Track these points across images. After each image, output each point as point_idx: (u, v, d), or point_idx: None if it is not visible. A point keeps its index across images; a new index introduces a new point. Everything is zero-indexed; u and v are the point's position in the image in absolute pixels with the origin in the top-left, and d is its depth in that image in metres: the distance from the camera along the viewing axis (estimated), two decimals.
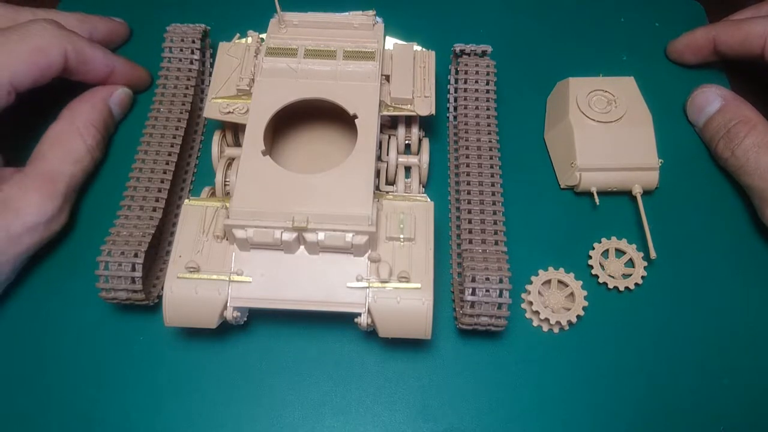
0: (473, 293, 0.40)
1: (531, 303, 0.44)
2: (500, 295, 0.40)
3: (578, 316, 0.44)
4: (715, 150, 0.50)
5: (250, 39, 0.48)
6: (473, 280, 0.40)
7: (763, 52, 0.49)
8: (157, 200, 0.44)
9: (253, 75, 0.45)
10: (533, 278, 0.45)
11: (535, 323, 0.45)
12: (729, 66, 0.57)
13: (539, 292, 0.45)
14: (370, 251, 0.39)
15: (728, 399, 0.42)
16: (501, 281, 0.40)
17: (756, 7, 0.54)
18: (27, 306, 0.45)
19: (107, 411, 0.42)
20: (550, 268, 0.46)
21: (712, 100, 0.50)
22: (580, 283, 0.45)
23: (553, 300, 0.45)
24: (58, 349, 0.44)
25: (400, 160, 0.48)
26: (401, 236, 0.40)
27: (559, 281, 0.46)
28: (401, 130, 0.48)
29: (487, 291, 0.40)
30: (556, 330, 0.45)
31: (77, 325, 0.44)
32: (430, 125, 0.51)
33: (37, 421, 0.42)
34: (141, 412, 0.42)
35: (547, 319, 0.44)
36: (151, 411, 0.42)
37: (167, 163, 0.46)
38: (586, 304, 0.44)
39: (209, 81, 0.48)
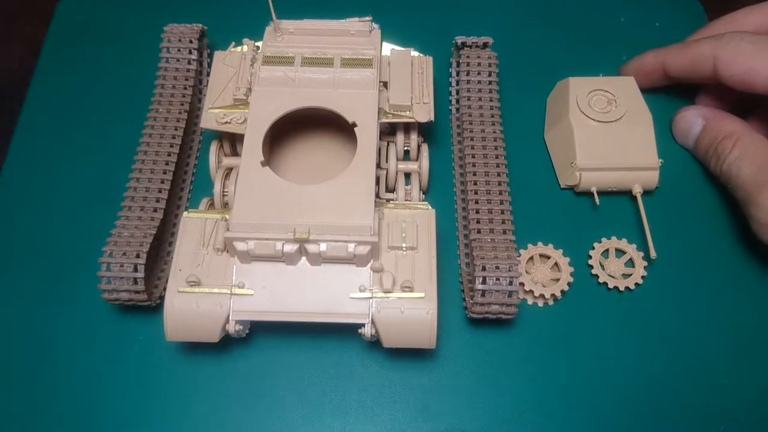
0: (483, 282, 0.40)
1: (521, 283, 0.45)
2: (510, 284, 0.40)
3: (569, 283, 0.45)
4: (710, 169, 0.49)
5: (245, 47, 0.47)
6: (483, 269, 0.40)
7: (713, 73, 0.47)
8: (157, 200, 0.44)
9: (249, 84, 0.45)
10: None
11: (530, 301, 0.46)
12: None
13: (526, 271, 0.46)
14: (372, 261, 0.39)
15: (728, 399, 0.43)
16: (510, 269, 0.40)
17: (700, 33, 0.52)
18: (28, 307, 0.45)
19: (108, 412, 0.42)
20: (530, 245, 0.47)
21: (693, 122, 0.50)
22: (561, 251, 0.46)
23: (540, 274, 0.46)
24: (59, 351, 0.44)
25: (399, 166, 0.48)
26: (403, 245, 0.40)
27: (541, 255, 0.46)
28: (400, 137, 0.48)
29: (498, 279, 0.40)
30: (551, 302, 0.45)
31: (78, 326, 0.45)
32: (429, 130, 0.51)
33: (38, 420, 0.42)
34: (142, 414, 0.42)
35: (542, 295, 0.45)
36: (152, 412, 0.42)
37: (167, 164, 0.45)
38: (572, 270, 0.45)
39: (207, 81, 0.47)
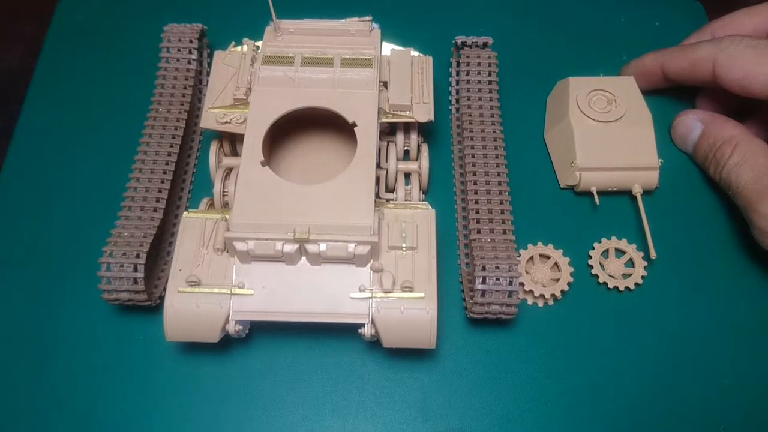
0: (483, 282, 0.40)
1: (521, 283, 0.45)
2: (510, 284, 0.40)
3: (569, 283, 0.45)
4: (709, 174, 0.49)
5: (245, 47, 0.47)
6: (483, 269, 0.40)
7: (712, 76, 0.47)
8: (157, 200, 0.44)
9: (249, 84, 0.45)
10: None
11: (530, 301, 0.46)
12: None
13: (526, 271, 0.46)
14: (372, 261, 0.39)
15: (728, 399, 0.43)
16: (510, 269, 0.40)
17: (699, 33, 0.52)
18: (28, 307, 0.45)
19: (108, 412, 0.42)
20: (530, 245, 0.47)
21: (692, 127, 0.50)
22: (561, 251, 0.46)
23: (540, 274, 0.46)
24: (59, 351, 0.44)
25: (399, 166, 0.48)
26: (403, 245, 0.40)
27: (541, 255, 0.47)
28: (400, 137, 0.48)
29: (498, 279, 0.40)
30: (551, 302, 0.45)
31: (78, 326, 0.45)
32: (429, 130, 0.51)
33: (38, 420, 0.42)
34: (142, 414, 0.42)
35: (542, 295, 0.45)
36: (152, 412, 0.42)
37: (167, 164, 0.45)
38: (572, 270, 0.45)
39: (207, 81, 0.47)
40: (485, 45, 0.50)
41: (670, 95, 0.54)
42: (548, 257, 0.46)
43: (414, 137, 0.48)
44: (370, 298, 0.39)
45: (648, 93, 0.52)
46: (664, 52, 0.51)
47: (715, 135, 0.48)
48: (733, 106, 0.51)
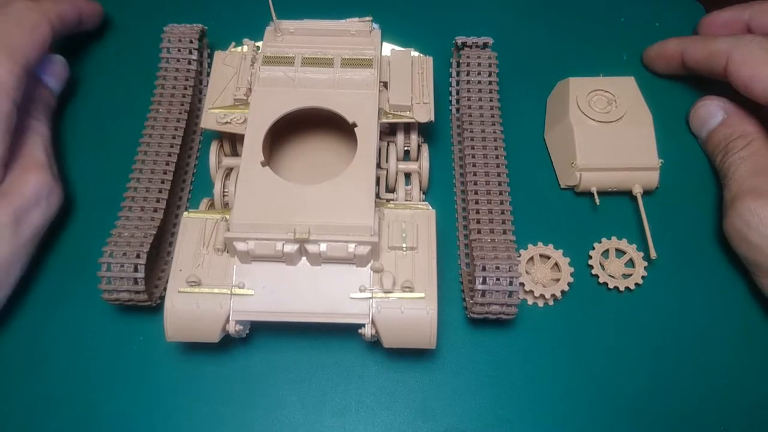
0: (484, 282, 0.40)
1: (521, 283, 0.45)
2: (510, 284, 0.40)
3: (569, 284, 0.45)
4: (715, 163, 0.49)
5: (245, 47, 0.47)
6: (483, 269, 0.40)
7: (725, 70, 0.47)
8: (157, 201, 0.44)
9: (250, 84, 0.45)
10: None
11: (530, 301, 0.46)
12: None
13: (526, 271, 0.46)
14: (372, 261, 0.39)
15: (728, 399, 0.43)
16: (510, 269, 0.40)
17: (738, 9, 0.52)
18: (28, 307, 0.45)
19: (108, 412, 0.42)
20: (530, 245, 0.47)
21: (714, 113, 0.50)
22: (561, 251, 0.46)
23: (540, 274, 0.46)
24: (59, 351, 0.44)
25: (399, 166, 0.48)
26: (403, 245, 0.40)
27: (541, 255, 0.47)
28: (400, 137, 0.48)
29: (498, 280, 0.40)
30: (551, 302, 0.45)
31: (78, 326, 0.45)
32: (429, 130, 0.51)
33: (38, 421, 0.42)
34: (142, 414, 0.42)
35: (542, 295, 0.45)
36: (152, 412, 0.42)
37: (167, 164, 0.45)
38: (572, 270, 0.45)
39: (207, 81, 0.47)
40: (485, 45, 0.50)
41: (673, 94, 0.54)
42: (548, 257, 0.46)
43: (414, 137, 0.48)
44: (370, 298, 0.39)
45: (664, 78, 0.54)
46: (687, 40, 0.52)
47: (735, 126, 0.48)
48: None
